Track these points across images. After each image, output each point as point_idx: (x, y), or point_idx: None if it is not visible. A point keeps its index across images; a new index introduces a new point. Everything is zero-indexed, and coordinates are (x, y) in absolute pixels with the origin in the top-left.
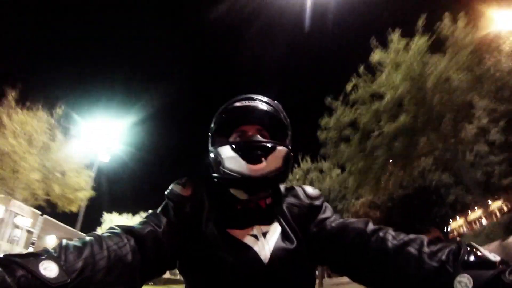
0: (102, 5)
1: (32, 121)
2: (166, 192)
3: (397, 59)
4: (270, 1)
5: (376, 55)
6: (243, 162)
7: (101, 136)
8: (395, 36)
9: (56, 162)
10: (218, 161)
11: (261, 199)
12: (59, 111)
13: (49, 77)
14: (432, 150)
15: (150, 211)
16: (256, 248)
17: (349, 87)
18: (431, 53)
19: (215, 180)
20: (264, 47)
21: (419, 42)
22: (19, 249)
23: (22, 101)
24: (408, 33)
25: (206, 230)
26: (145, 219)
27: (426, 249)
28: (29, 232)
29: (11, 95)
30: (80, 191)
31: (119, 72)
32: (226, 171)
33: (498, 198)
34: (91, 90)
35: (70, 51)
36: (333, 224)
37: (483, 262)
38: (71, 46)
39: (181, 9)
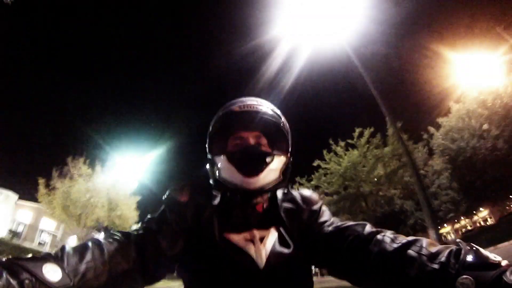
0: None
1: (96, 176)
2: (163, 197)
3: (336, 167)
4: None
5: (324, 162)
6: (238, 174)
7: (132, 169)
8: (337, 148)
9: (114, 201)
10: (214, 170)
11: (258, 204)
12: (108, 164)
13: (99, 136)
14: (361, 212)
15: (148, 216)
16: (252, 252)
17: (315, 163)
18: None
19: (212, 186)
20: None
21: (353, 155)
22: None
23: (84, 160)
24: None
25: (203, 234)
26: (143, 224)
27: (426, 251)
28: None
29: (81, 161)
30: (130, 220)
31: (146, 113)
32: (221, 181)
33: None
34: (122, 133)
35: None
36: (331, 228)
37: (485, 263)
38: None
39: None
